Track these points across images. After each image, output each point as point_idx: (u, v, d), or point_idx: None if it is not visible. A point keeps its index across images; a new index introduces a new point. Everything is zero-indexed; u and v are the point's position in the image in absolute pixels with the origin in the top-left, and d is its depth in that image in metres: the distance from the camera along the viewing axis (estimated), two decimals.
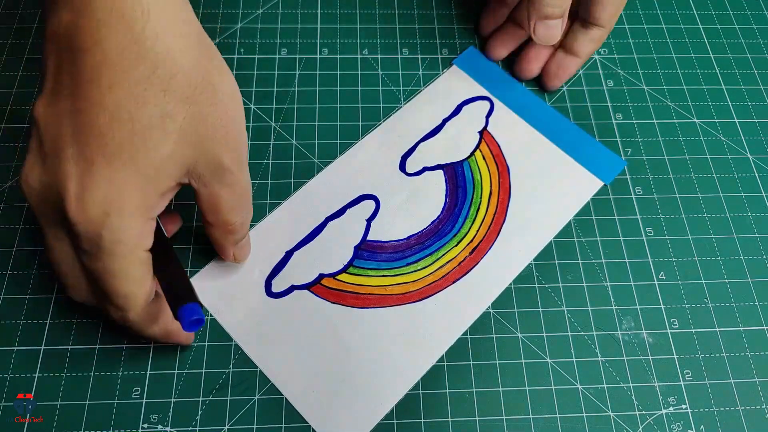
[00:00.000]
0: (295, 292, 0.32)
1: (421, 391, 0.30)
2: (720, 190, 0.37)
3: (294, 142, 0.37)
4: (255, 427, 0.29)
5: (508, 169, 0.36)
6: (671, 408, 0.30)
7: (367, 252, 0.33)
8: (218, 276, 0.32)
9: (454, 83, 0.39)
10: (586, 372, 0.31)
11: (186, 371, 0.30)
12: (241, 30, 0.41)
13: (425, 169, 0.36)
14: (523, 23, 0.39)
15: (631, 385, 0.31)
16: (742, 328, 0.32)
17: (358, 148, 0.36)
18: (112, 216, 0.23)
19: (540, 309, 0.32)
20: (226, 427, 0.29)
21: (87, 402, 0.29)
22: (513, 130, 0.37)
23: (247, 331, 0.31)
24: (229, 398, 0.30)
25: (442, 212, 0.35)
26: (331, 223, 0.34)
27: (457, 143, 0.37)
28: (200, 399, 0.29)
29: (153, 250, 0.25)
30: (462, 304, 0.32)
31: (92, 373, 0.30)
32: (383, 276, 0.32)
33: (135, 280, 0.24)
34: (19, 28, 0.40)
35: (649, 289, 0.33)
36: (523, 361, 0.31)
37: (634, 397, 0.30)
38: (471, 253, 0.33)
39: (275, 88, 0.39)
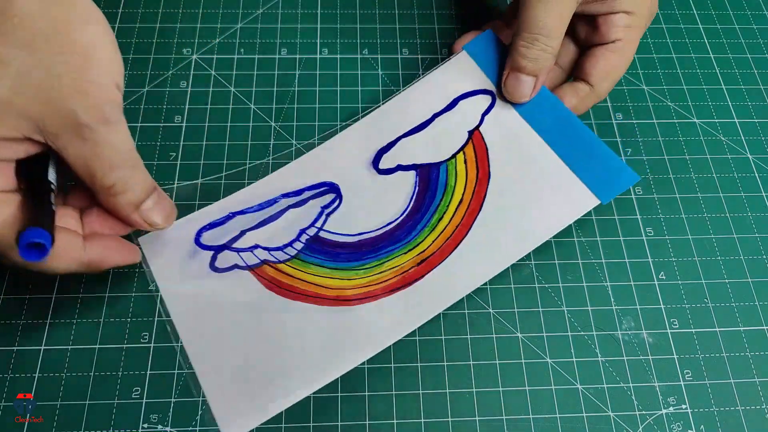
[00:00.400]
0: (237, 270, 0.31)
1: (421, 391, 0.30)
2: (720, 190, 0.37)
3: (294, 142, 0.37)
4: (255, 427, 0.29)
5: (489, 177, 0.33)
6: (671, 408, 0.30)
7: (316, 246, 0.32)
8: (167, 243, 0.32)
9: (457, 74, 0.35)
10: (586, 372, 0.31)
11: (186, 371, 0.30)
12: (241, 30, 0.41)
13: (399, 167, 0.34)
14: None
15: (631, 385, 0.31)
16: (742, 328, 0.32)
17: (338, 139, 0.35)
18: None
19: (540, 309, 0.32)
20: None
21: (87, 402, 0.29)
22: (508, 131, 0.34)
23: (182, 302, 0.30)
24: None
25: (401, 216, 0.33)
26: (291, 211, 0.33)
27: (441, 142, 0.34)
28: (200, 399, 0.29)
29: (25, 190, 0.25)
30: (395, 317, 0.30)
31: (92, 373, 0.30)
32: (324, 275, 0.31)
33: None
34: None
35: (649, 289, 0.33)
36: (523, 361, 0.31)
37: (634, 397, 0.30)
38: (419, 264, 0.31)
39: (275, 88, 0.39)
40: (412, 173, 0.34)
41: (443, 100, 0.35)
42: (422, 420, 0.29)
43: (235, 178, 0.35)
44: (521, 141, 0.34)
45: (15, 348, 0.30)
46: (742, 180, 0.37)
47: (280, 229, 0.32)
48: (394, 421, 0.29)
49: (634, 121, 0.39)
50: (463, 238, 0.32)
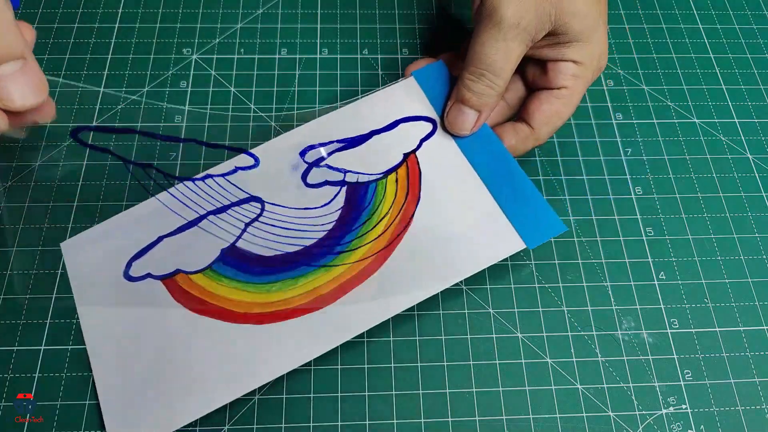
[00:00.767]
0: (149, 280, 0.31)
1: (421, 391, 0.30)
2: (720, 190, 0.37)
3: None
4: (255, 427, 0.29)
5: (418, 201, 0.32)
6: (671, 408, 0.30)
7: (231, 258, 0.31)
8: (91, 244, 0.31)
9: (402, 97, 0.34)
10: (586, 372, 0.31)
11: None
12: (241, 30, 0.41)
13: (327, 183, 0.32)
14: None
15: (631, 385, 0.31)
16: (742, 328, 0.32)
17: (272, 144, 0.33)
18: None
19: (540, 309, 0.32)
20: (226, 427, 0.29)
21: (87, 402, 0.29)
22: (444, 161, 0.33)
23: (92, 308, 0.30)
24: None
25: (322, 234, 0.31)
26: (211, 218, 0.32)
27: (375, 159, 0.33)
28: None
29: None
30: (303, 340, 0.29)
31: (92, 374, 0.30)
32: (237, 288, 0.30)
33: None
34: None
35: (649, 289, 0.33)
36: (523, 361, 0.31)
37: (634, 397, 0.30)
38: (335, 287, 0.30)
39: (275, 88, 0.39)
40: (341, 190, 0.32)
41: (384, 119, 0.34)
42: (422, 420, 0.29)
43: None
44: (456, 173, 0.33)
45: (15, 348, 0.30)
46: (742, 180, 0.37)
47: (198, 237, 0.31)
48: (394, 422, 0.29)
49: (634, 121, 0.39)
50: (381, 266, 0.30)
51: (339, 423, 0.29)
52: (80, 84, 0.37)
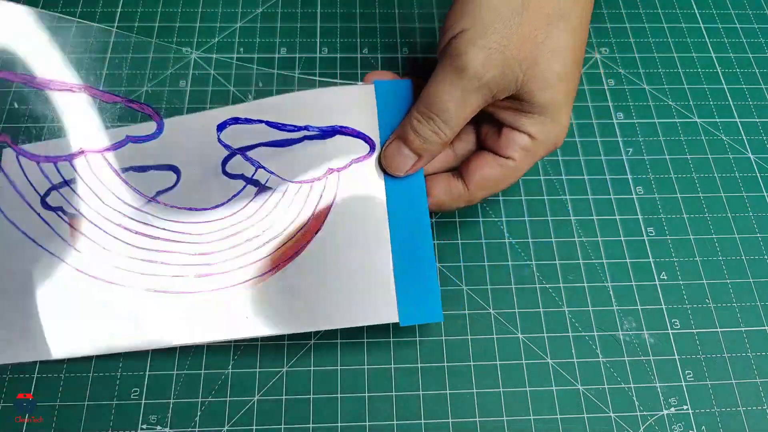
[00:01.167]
0: (60, 216, 0.31)
1: (421, 392, 0.30)
2: (721, 189, 0.36)
3: None
4: (254, 427, 0.29)
5: (319, 229, 0.30)
6: (672, 409, 0.30)
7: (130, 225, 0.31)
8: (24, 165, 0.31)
9: (352, 104, 0.31)
10: (587, 372, 0.31)
11: (185, 372, 0.30)
12: (241, 29, 0.41)
13: (242, 177, 0.31)
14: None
15: (632, 385, 0.31)
16: (743, 329, 0.32)
17: (210, 115, 0.32)
18: None
19: (541, 309, 0.32)
20: (226, 427, 0.29)
21: (86, 402, 0.29)
22: (364, 195, 0.30)
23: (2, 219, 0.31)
24: (228, 399, 0.29)
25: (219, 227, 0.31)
26: (131, 173, 0.31)
27: (297, 164, 0.31)
28: (199, 400, 0.29)
29: None
30: (162, 319, 0.29)
31: (91, 374, 0.30)
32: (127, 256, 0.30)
33: None
34: None
35: (651, 289, 0.33)
36: (523, 361, 0.31)
37: (635, 398, 0.30)
38: (202, 276, 0.30)
39: (275, 88, 0.38)
40: (252, 189, 0.31)
41: (325, 119, 0.31)
42: (422, 421, 0.29)
43: None
44: (369, 214, 0.30)
45: None
46: (743, 180, 0.37)
47: (108, 191, 0.31)
48: (394, 422, 0.29)
49: (635, 121, 0.39)
50: (255, 284, 0.29)
51: (339, 424, 0.29)
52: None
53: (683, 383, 0.31)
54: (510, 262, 0.34)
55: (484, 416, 0.30)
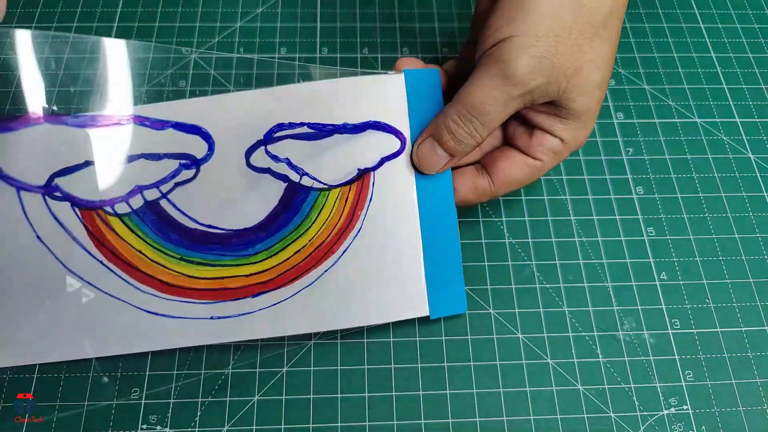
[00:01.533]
0: (67, 205, 0.28)
1: (421, 392, 0.30)
2: (721, 189, 0.36)
3: None
4: (254, 427, 0.29)
5: (355, 230, 0.30)
6: (672, 409, 0.30)
7: (152, 214, 0.29)
8: (24, 144, 0.29)
9: (382, 94, 0.30)
10: (587, 373, 0.31)
11: (185, 372, 0.30)
12: (241, 29, 0.41)
13: (269, 171, 0.30)
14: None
15: (632, 385, 0.31)
16: (743, 329, 0.32)
17: (231, 98, 0.30)
18: None
19: (541, 309, 0.32)
20: (226, 427, 0.29)
21: (86, 402, 0.29)
22: (397, 195, 0.30)
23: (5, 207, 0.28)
24: (228, 399, 0.29)
25: (248, 226, 0.29)
26: (143, 161, 0.29)
27: (327, 163, 0.30)
28: (199, 399, 0.29)
29: None
30: (196, 325, 0.29)
31: (91, 374, 0.30)
32: (149, 247, 0.29)
33: None
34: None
35: (651, 289, 0.33)
36: (524, 361, 0.31)
37: (635, 398, 0.30)
38: (246, 285, 0.29)
39: (275, 88, 0.38)
40: (281, 184, 0.30)
41: (357, 112, 0.30)
42: (422, 421, 0.29)
43: None
44: (402, 213, 0.30)
45: None
46: (743, 180, 0.37)
47: (125, 176, 0.29)
48: (394, 422, 0.29)
49: (635, 121, 0.39)
50: (296, 279, 0.29)
51: (339, 424, 0.29)
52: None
53: (683, 383, 0.31)
54: (510, 262, 0.34)
55: (484, 416, 0.30)
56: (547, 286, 0.33)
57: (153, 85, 0.38)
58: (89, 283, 0.29)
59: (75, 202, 0.28)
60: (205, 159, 0.29)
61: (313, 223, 0.30)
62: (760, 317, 0.33)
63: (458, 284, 0.30)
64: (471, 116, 0.28)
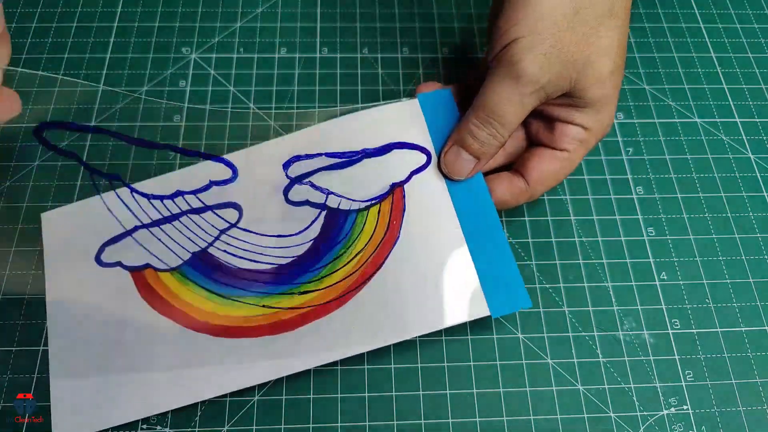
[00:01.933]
0: (118, 269, 0.30)
1: (421, 392, 0.30)
2: (721, 189, 0.36)
3: None
4: (254, 427, 0.29)
5: (396, 241, 0.30)
6: (672, 409, 0.30)
7: (200, 264, 0.30)
8: (71, 219, 0.32)
9: (402, 120, 0.32)
10: (587, 373, 0.31)
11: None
12: (241, 29, 0.41)
13: (308, 203, 0.31)
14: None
15: (632, 385, 0.31)
16: (743, 329, 0.32)
17: (259, 149, 0.32)
18: None
19: (541, 309, 0.32)
20: (226, 427, 0.29)
21: None
22: (431, 201, 0.31)
23: (61, 283, 0.30)
24: (228, 399, 0.29)
25: (293, 258, 0.30)
26: (190, 216, 0.31)
27: (360, 185, 0.31)
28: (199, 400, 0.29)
29: None
30: (253, 362, 0.28)
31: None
32: (201, 295, 0.30)
33: None
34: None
35: (651, 289, 0.33)
36: (523, 361, 0.31)
37: (635, 398, 0.30)
38: (295, 316, 0.29)
39: (275, 88, 0.38)
40: (320, 213, 0.31)
41: (378, 138, 0.32)
42: (422, 421, 0.29)
43: None
44: (439, 218, 0.31)
45: (15, 348, 0.30)
46: (743, 180, 0.37)
47: (173, 234, 0.31)
48: (394, 422, 0.29)
49: (636, 121, 0.39)
50: (344, 304, 0.29)
51: (339, 424, 0.29)
52: (79, 83, 0.37)
53: (683, 383, 0.31)
54: None
55: (484, 416, 0.30)
56: (547, 286, 0.33)
57: (153, 85, 0.38)
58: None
59: (123, 267, 0.30)
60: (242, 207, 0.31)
61: (355, 241, 0.31)
62: (760, 317, 0.33)
63: (516, 281, 0.30)
64: (490, 119, 0.29)
